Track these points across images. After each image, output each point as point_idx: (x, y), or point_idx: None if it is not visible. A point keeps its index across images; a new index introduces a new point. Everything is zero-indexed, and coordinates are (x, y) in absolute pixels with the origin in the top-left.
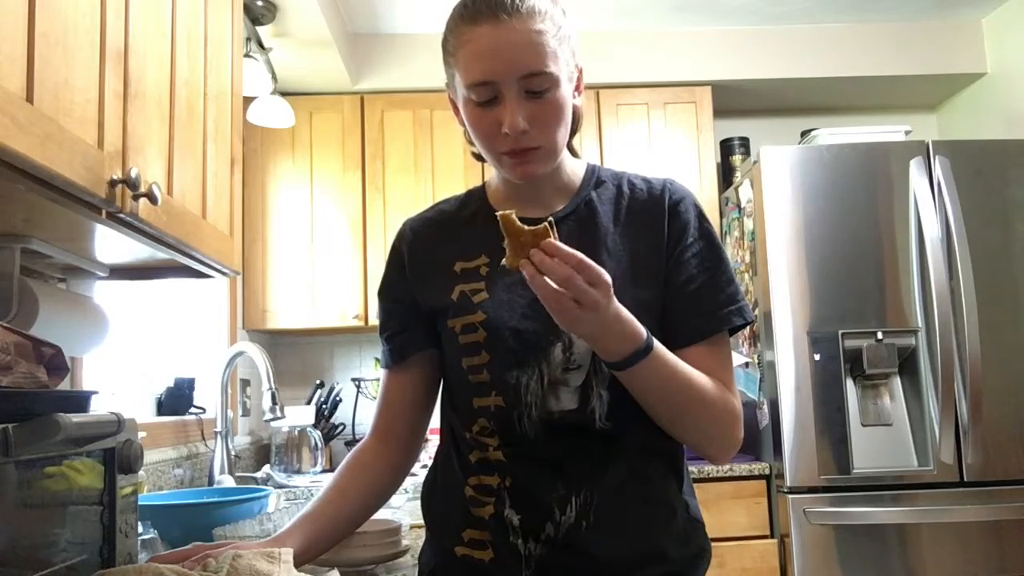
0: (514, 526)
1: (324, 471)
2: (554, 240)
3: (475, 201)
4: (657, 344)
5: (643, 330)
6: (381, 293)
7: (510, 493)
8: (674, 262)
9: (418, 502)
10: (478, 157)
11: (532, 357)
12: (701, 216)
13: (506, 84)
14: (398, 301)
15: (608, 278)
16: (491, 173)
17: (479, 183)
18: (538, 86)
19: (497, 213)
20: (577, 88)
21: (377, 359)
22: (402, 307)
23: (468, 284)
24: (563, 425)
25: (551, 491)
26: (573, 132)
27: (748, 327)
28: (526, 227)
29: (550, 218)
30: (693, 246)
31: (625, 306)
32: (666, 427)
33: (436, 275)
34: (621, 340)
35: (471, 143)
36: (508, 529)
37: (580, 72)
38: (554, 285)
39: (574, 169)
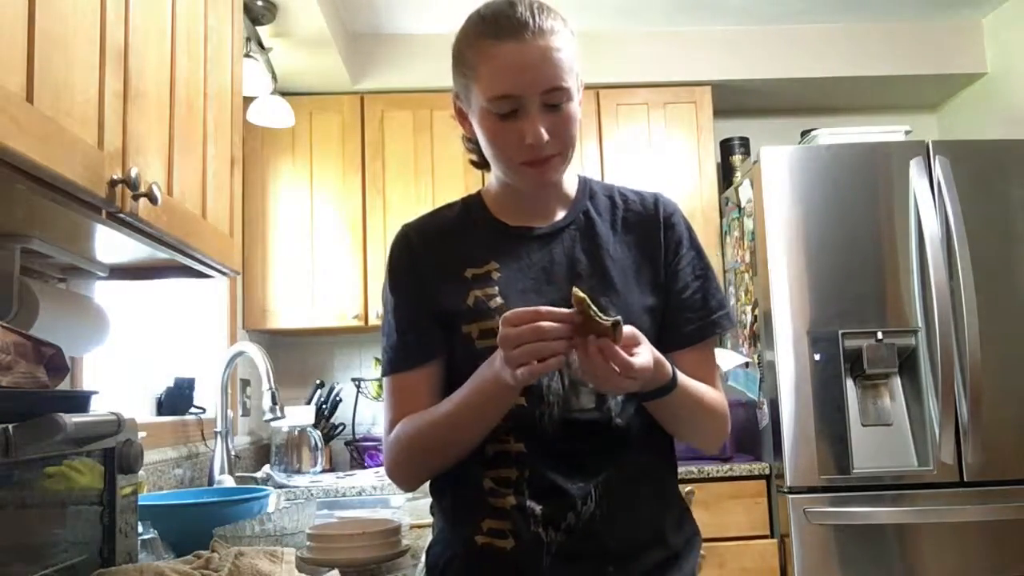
0: (536, 516)
1: (324, 471)
2: (612, 343)
3: (475, 209)
4: (680, 378)
5: (669, 371)
6: (397, 293)
7: (530, 484)
8: (671, 271)
9: (418, 502)
10: (477, 164)
11: None
12: (690, 227)
13: (529, 98)
14: (418, 301)
15: (648, 366)
16: (490, 178)
17: (479, 183)
18: (557, 99)
19: (574, 291)
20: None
21: (378, 359)
22: (422, 308)
23: (482, 289)
24: (582, 422)
25: (571, 483)
26: None
27: (748, 328)
28: (598, 317)
29: (618, 318)
30: (687, 255)
31: (630, 311)
32: (672, 431)
33: (447, 280)
34: (647, 384)
35: (471, 151)
36: (530, 519)
37: (582, 85)
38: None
39: (569, 179)
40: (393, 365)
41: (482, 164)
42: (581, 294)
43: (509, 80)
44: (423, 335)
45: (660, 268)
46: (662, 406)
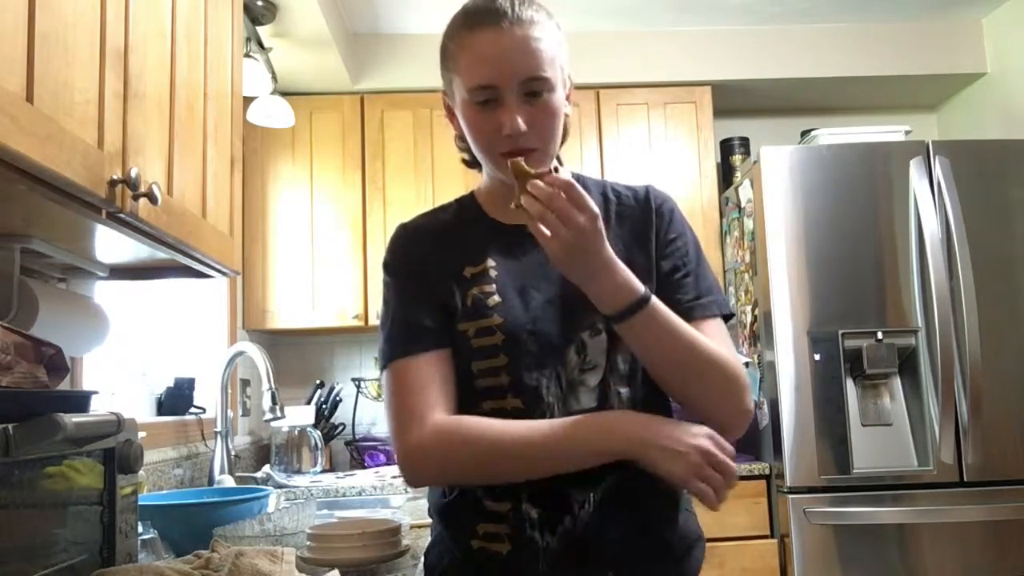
0: (532, 519)
1: (324, 471)
2: (554, 173)
3: (470, 209)
4: (656, 300)
5: (640, 284)
6: (404, 279)
7: (527, 487)
8: (660, 255)
9: (418, 502)
10: (468, 164)
11: (548, 359)
12: (682, 216)
13: (507, 87)
14: (426, 289)
15: (595, 209)
16: (483, 177)
17: (478, 183)
18: (536, 88)
19: (509, 161)
20: (567, 97)
21: (377, 359)
22: (431, 296)
23: (480, 287)
24: None
25: (570, 485)
26: (562, 141)
27: (748, 328)
28: (532, 171)
29: (555, 164)
30: (677, 241)
31: None
32: (676, 392)
33: (446, 278)
34: (616, 289)
35: (463, 150)
36: (526, 522)
37: (571, 82)
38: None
39: (563, 176)
40: (406, 348)
41: (474, 163)
42: (517, 160)
43: (486, 69)
44: (436, 320)
45: (651, 255)
46: (642, 338)
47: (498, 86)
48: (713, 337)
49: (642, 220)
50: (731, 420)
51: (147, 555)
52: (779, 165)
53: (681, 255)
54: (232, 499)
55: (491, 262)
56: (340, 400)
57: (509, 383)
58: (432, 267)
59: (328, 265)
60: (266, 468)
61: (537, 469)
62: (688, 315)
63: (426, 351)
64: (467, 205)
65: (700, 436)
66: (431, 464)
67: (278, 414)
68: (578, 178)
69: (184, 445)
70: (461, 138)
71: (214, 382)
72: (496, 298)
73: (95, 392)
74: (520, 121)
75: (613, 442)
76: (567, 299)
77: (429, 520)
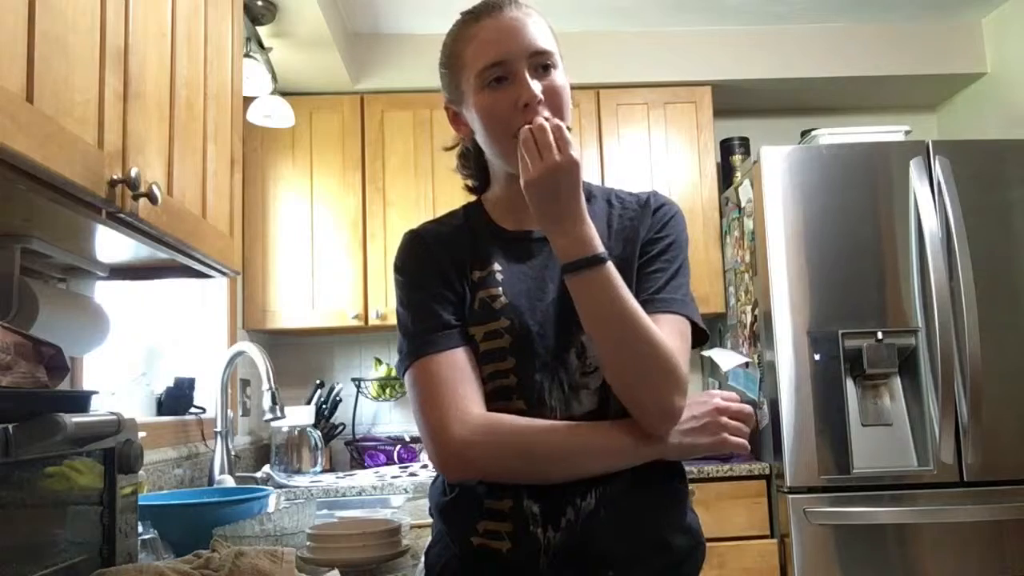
0: (534, 515)
1: (324, 471)
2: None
3: (477, 216)
4: (612, 266)
5: (602, 248)
6: (425, 279)
7: (529, 485)
8: (642, 251)
9: (418, 502)
10: (471, 190)
11: (551, 362)
12: (680, 223)
13: (518, 60)
14: (447, 287)
15: (576, 156)
16: (492, 187)
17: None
18: (544, 62)
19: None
20: None
21: (378, 359)
22: (451, 295)
23: (487, 290)
24: None
25: (572, 482)
26: None
27: (748, 328)
28: None
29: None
30: (662, 240)
31: None
32: (612, 374)
33: (458, 280)
34: (575, 240)
35: (466, 176)
36: (528, 519)
37: (566, 76)
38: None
39: None
40: (436, 344)
41: (477, 189)
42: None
43: (494, 48)
44: (457, 318)
45: (636, 249)
46: (589, 294)
47: (509, 60)
48: (664, 330)
49: (640, 221)
50: (654, 416)
51: (147, 555)
52: (779, 165)
53: (660, 252)
54: (232, 499)
55: (496, 266)
56: (340, 400)
57: (516, 385)
58: (445, 268)
59: (328, 265)
60: (266, 468)
61: (576, 469)
62: (647, 306)
63: (455, 348)
64: (474, 212)
65: (708, 399)
66: (481, 458)
67: (278, 414)
68: (585, 186)
69: (184, 445)
70: (463, 164)
71: (214, 382)
72: (503, 299)
73: (95, 392)
74: (535, 87)
75: (647, 446)
76: (566, 303)
77: (429, 520)
